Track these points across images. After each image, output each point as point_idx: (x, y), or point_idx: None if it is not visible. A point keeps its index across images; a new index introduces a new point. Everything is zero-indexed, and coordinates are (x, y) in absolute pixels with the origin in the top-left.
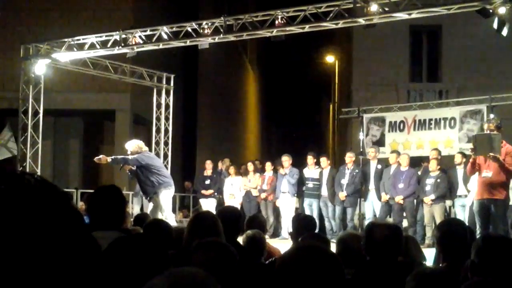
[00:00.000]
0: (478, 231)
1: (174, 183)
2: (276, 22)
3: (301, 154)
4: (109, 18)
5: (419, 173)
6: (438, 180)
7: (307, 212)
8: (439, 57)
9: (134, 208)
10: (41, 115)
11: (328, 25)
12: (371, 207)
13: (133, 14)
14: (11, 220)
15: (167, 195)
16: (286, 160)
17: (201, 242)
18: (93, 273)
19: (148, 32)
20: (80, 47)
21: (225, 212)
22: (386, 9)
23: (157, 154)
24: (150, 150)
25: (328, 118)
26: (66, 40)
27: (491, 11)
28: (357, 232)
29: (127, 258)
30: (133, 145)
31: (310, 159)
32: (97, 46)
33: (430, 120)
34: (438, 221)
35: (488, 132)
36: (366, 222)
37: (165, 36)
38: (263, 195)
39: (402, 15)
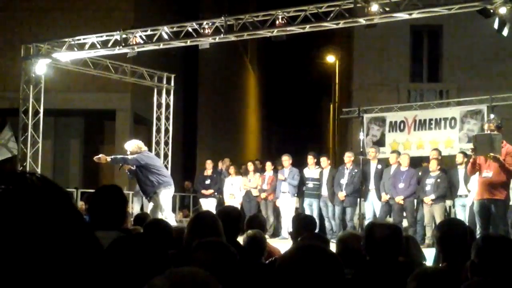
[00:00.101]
0: (478, 231)
1: (174, 183)
2: (277, 22)
3: (302, 154)
4: (110, 18)
5: (420, 173)
6: (438, 180)
7: (307, 212)
8: (440, 57)
9: (134, 208)
10: (41, 114)
11: (329, 25)
12: (371, 207)
13: (134, 14)
14: (16, 220)
15: (167, 195)
16: (286, 159)
17: (201, 242)
18: (96, 272)
19: (149, 32)
20: (81, 47)
21: (225, 212)
22: (387, 9)
23: (157, 154)
24: (150, 150)
25: (329, 118)
26: (66, 40)
27: (491, 11)
28: (357, 232)
29: (128, 258)
30: (133, 145)
31: (311, 159)
32: (98, 46)
33: (431, 120)
34: (438, 221)
35: (489, 132)
36: (366, 222)
37: (165, 36)
38: (263, 195)
39: (402, 15)
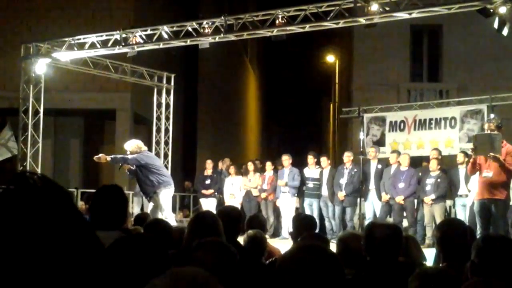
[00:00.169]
0: (478, 231)
1: (174, 183)
2: (277, 21)
3: (302, 154)
4: (110, 18)
5: (420, 173)
6: (439, 180)
7: (307, 212)
8: (440, 56)
9: (134, 208)
10: (41, 114)
11: (329, 24)
12: (372, 207)
13: (134, 13)
14: (18, 219)
15: (167, 195)
16: (286, 159)
17: (201, 242)
18: (97, 271)
19: (149, 32)
20: (81, 46)
21: (225, 212)
22: (387, 8)
23: (158, 154)
24: (150, 149)
25: (329, 118)
26: (66, 39)
27: (491, 10)
28: (357, 232)
29: (128, 258)
30: (132, 145)
31: (311, 159)
32: (98, 45)
33: (431, 120)
34: (438, 221)
35: (489, 132)
36: (366, 222)
37: (165, 36)
38: (263, 195)
39: (402, 15)
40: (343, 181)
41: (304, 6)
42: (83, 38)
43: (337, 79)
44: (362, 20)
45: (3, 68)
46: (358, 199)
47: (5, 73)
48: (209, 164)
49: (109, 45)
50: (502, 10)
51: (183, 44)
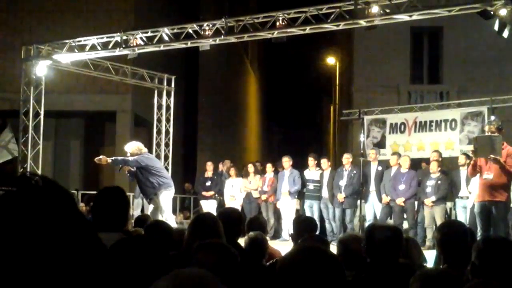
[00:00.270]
0: (479, 233)
1: (175, 184)
2: (277, 23)
3: (302, 156)
4: (110, 20)
5: (420, 176)
6: (439, 182)
7: (308, 213)
8: (440, 58)
9: (134, 210)
10: (42, 116)
11: (329, 26)
12: (372, 209)
13: (134, 15)
14: (20, 221)
15: (167, 196)
16: (286, 161)
17: (202, 244)
18: (99, 272)
19: (149, 34)
20: (81, 48)
21: (225, 214)
22: (387, 10)
23: (158, 156)
24: (151, 151)
25: (329, 120)
26: (67, 41)
27: (492, 13)
28: (358, 233)
29: (129, 259)
30: (133, 147)
31: (311, 161)
32: (98, 47)
33: (431, 122)
34: (438, 223)
35: (489, 134)
36: (367, 224)
37: (166, 38)
38: (263, 197)
39: (403, 17)
40: (343, 183)
41: (304, 8)
42: (84, 40)
43: (337, 81)
44: (363, 22)
45: (3, 69)
46: (358, 201)
47: (6, 75)
48: (209, 166)
49: (109, 47)
50: (503, 12)
51: (183, 46)
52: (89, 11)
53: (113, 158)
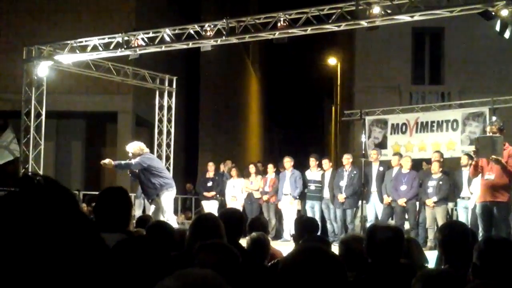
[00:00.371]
0: (480, 233)
1: (176, 185)
2: (279, 24)
3: (303, 156)
4: (112, 20)
5: (421, 176)
6: (440, 183)
7: (309, 214)
8: (442, 59)
9: (136, 211)
10: (43, 117)
11: (331, 27)
12: (373, 210)
13: (136, 16)
14: (23, 221)
15: (168, 197)
16: (287, 161)
17: (203, 244)
18: (102, 272)
19: (151, 34)
20: (83, 49)
21: (227, 214)
22: (389, 11)
23: (159, 156)
24: (152, 152)
25: (330, 120)
26: (68, 42)
27: (493, 13)
28: (360, 234)
29: (131, 260)
30: (135, 147)
31: (312, 161)
32: (100, 48)
33: (433, 122)
34: (440, 223)
35: (491, 134)
36: (368, 225)
37: (167, 38)
38: (265, 197)
39: (404, 18)
40: (343, 183)
41: (306, 9)
42: (85, 41)
43: (339, 81)
44: (364, 23)
45: (5, 70)
46: (360, 201)
47: (8, 76)
48: (211, 166)
49: (111, 47)
50: (504, 12)
51: (185, 47)
52: (91, 12)
53: (117, 163)
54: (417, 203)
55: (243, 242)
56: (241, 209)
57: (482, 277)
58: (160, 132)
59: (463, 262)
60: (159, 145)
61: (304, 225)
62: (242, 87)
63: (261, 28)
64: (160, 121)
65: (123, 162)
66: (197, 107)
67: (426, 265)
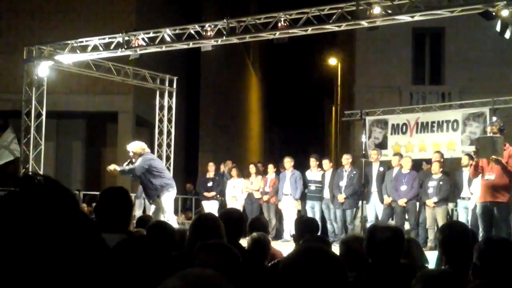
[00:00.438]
0: (480, 234)
1: (176, 185)
2: (279, 24)
3: (304, 156)
4: (112, 20)
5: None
6: (441, 183)
7: (309, 214)
8: (442, 59)
9: (136, 211)
10: (44, 116)
11: (331, 27)
12: (373, 210)
13: (136, 16)
14: (24, 220)
15: (169, 197)
16: (288, 161)
17: (204, 244)
18: (102, 272)
19: (151, 34)
20: (83, 49)
21: (227, 214)
22: (389, 11)
23: (160, 156)
24: (153, 152)
25: (331, 120)
26: (69, 42)
27: (494, 13)
28: (361, 234)
29: (131, 260)
30: (136, 146)
31: (313, 162)
32: (100, 48)
33: (433, 122)
34: (440, 223)
35: (491, 134)
36: (368, 225)
37: (168, 38)
38: (265, 197)
39: (405, 18)
40: (343, 183)
41: (306, 9)
42: (86, 41)
43: (339, 81)
44: (365, 23)
45: (6, 70)
46: (360, 202)
47: (8, 75)
48: (211, 166)
49: (111, 47)
50: (505, 13)
51: (185, 47)
52: (91, 12)
53: (121, 169)
54: (417, 203)
55: (244, 242)
56: (241, 209)
57: (483, 277)
58: (161, 132)
59: (463, 262)
60: (160, 145)
61: (305, 225)
62: (242, 87)
63: (262, 28)
64: (161, 121)
65: (126, 167)
66: (198, 107)
67: (426, 265)
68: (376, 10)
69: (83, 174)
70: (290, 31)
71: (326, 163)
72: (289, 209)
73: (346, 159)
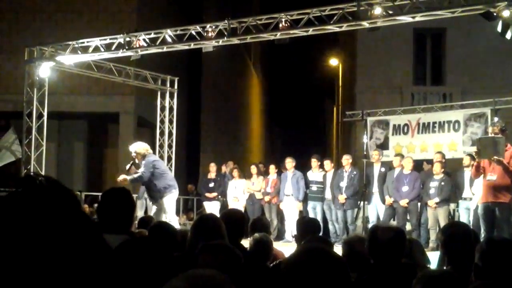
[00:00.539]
0: (482, 234)
1: (178, 186)
2: (280, 25)
3: (305, 157)
4: (114, 21)
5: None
6: (442, 183)
7: (311, 215)
8: (443, 60)
9: (138, 211)
10: (45, 117)
11: (332, 28)
12: (375, 210)
13: (137, 17)
14: (25, 221)
15: (171, 198)
16: (289, 162)
17: (206, 245)
18: (104, 272)
19: (152, 35)
20: (85, 50)
21: (229, 215)
22: (390, 12)
23: (161, 157)
24: (154, 152)
25: (332, 121)
26: (70, 43)
27: (495, 14)
28: (363, 235)
29: (133, 261)
30: (139, 147)
31: (314, 162)
32: (101, 49)
33: (434, 123)
34: (442, 224)
35: (492, 135)
36: (370, 226)
37: (169, 39)
38: (266, 198)
39: (406, 18)
40: (343, 184)
41: (307, 9)
42: (87, 42)
43: (340, 82)
44: (366, 24)
45: (7, 71)
46: (361, 202)
47: (9, 76)
48: (212, 167)
49: (112, 48)
50: (506, 13)
51: (186, 47)
52: (92, 13)
53: (130, 178)
54: (419, 204)
55: (245, 243)
56: (243, 210)
57: (484, 278)
58: (162, 133)
59: (465, 263)
60: (161, 146)
61: (306, 226)
62: (243, 88)
63: (263, 29)
64: (162, 122)
65: (135, 175)
66: (199, 108)
67: (428, 266)
68: (377, 10)
69: (84, 175)
70: (291, 31)
71: (327, 163)
72: (291, 209)
73: (346, 159)
